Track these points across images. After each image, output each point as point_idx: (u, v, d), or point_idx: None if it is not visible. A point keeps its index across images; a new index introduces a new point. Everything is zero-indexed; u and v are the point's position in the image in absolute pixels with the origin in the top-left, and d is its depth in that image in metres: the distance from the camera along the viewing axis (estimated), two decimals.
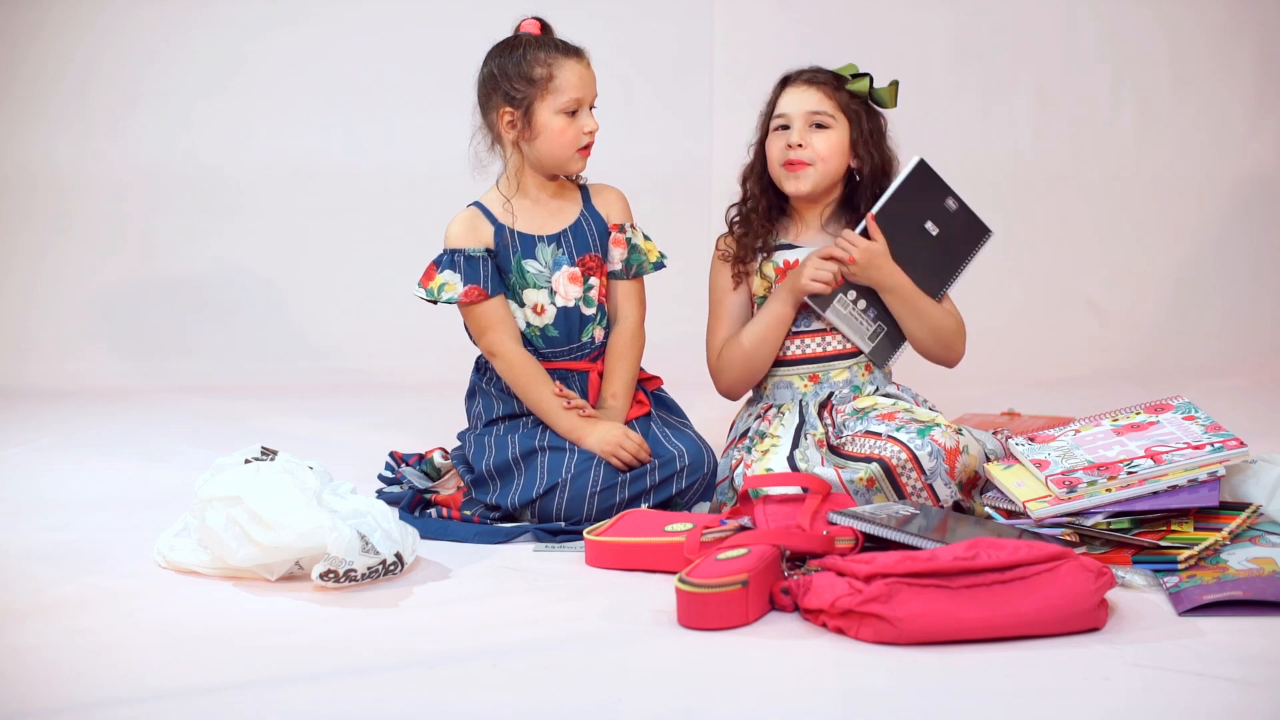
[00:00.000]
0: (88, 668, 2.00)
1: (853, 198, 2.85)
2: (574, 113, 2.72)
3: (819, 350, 2.82)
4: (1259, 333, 4.38)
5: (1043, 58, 4.50)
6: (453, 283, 2.73)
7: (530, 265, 2.76)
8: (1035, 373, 4.08)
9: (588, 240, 2.80)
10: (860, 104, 2.80)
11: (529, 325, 2.77)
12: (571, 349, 2.79)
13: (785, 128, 2.80)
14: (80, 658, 2.03)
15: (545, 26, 2.77)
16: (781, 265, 2.83)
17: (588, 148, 2.76)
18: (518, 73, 2.71)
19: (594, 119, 2.75)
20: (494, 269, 2.75)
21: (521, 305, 2.77)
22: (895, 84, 2.82)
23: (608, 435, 2.66)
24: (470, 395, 2.85)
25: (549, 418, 2.72)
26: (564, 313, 2.77)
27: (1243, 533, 2.38)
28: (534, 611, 2.22)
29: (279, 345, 4.27)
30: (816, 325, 2.81)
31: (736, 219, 2.88)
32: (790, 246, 2.84)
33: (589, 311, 2.79)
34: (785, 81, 2.84)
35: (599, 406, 2.76)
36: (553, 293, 2.76)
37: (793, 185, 2.80)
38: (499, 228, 2.77)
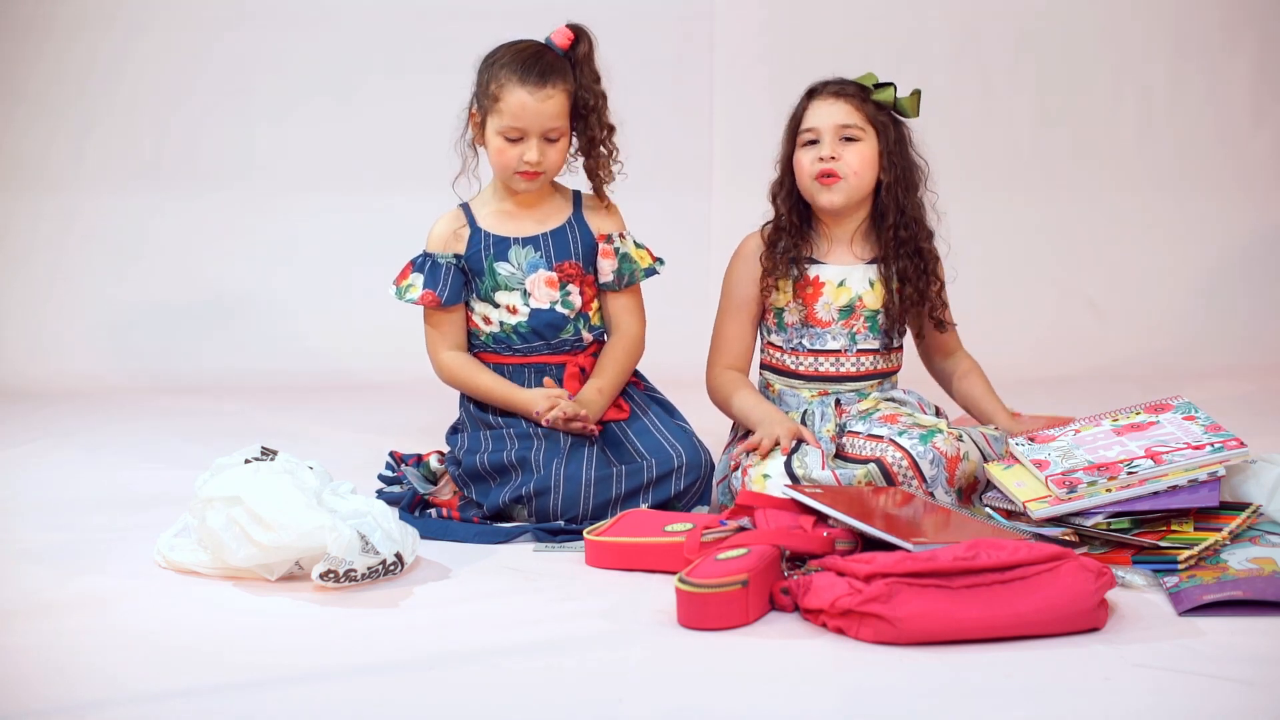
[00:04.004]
0: (86, 668, 2.00)
1: (884, 213, 2.80)
2: (518, 140, 2.71)
3: (832, 370, 2.81)
4: (1259, 332, 4.38)
5: (1043, 57, 4.50)
6: (416, 284, 2.78)
7: (502, 268, 2.77)
8: (1035, 373, 4.08)
9: (569, 247, 2.79)
10: (886, 114, 2.77)
11: (502, 324, 2.78)
12: (549, 344, 2.79)
13: (814, 142, 2.75)
14: (79, 658, 2.03)
15: (578, 39, 2.75)
16: (801, 280, 2.80)
17: (529, 174, 2.73)
18: (483, 83, 2.75)
19: (541, 150, 2.71)
20: (459, 278, 2.78)
21: (496, 306, 2.78)
22: (917, 93, 2.78)
23: (549, 391, 2.72)
24: (454, 431, 2.86)
25: (495, 397, 2.75)
26: (538, 314, 2.78)
27: (1243, 533, 2.38)
28: (534, 611, 2.22)
29: (278, 345, 4.26)
30: (832, 345, 2.80)
31: (770, 237, 2.83)
32: (816, 262, 2.81)
33: (567, 313, 2.78)
34: (811, 94, 2.79)
35: (579, 398, 2.75)
36: (526, 294, 2.77)
37: (826, 198, 2.75)
38: (475, 230, 2.79)
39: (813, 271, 2.81)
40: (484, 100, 2.74)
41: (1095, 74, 4.51)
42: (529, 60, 2.71)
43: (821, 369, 2.80)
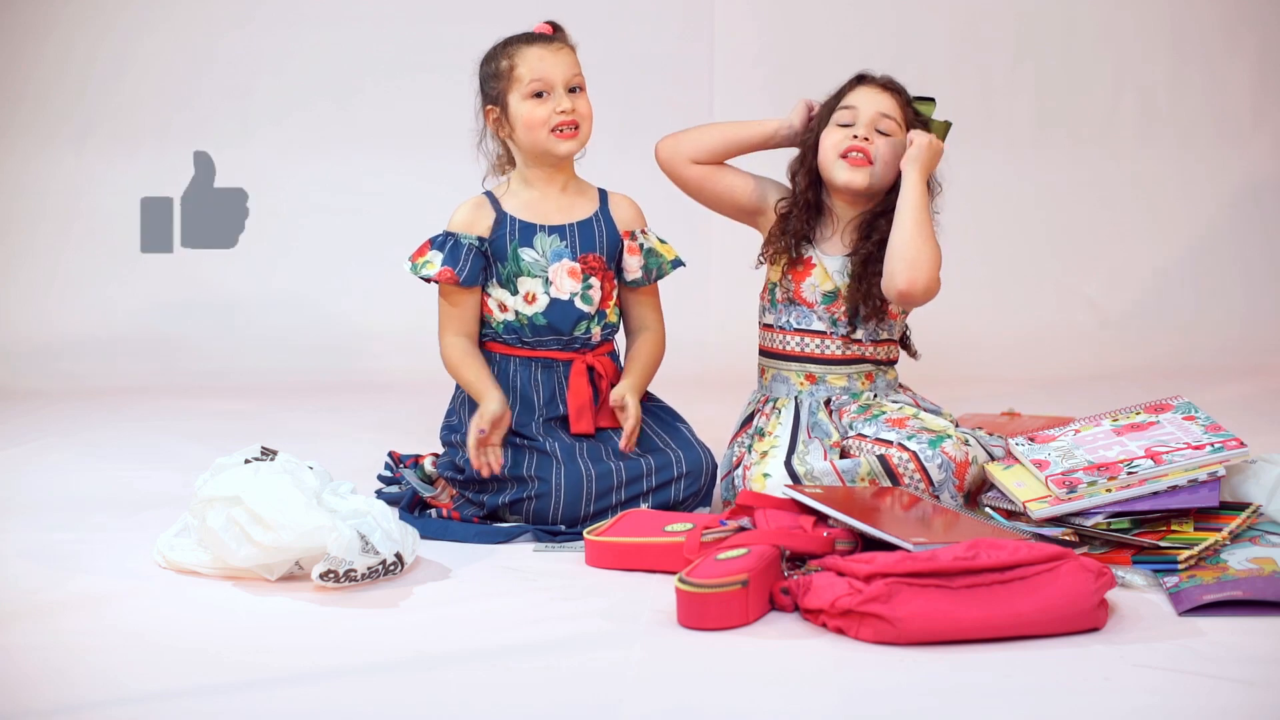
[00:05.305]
0: (86, 668, 2.00)
1: (877, 214, 2.79)
2: (541, 95, 2.72)
3: (817, 351, 2.81)
4: (1259, 332, 4.37)
5: (1043, 58, 4.50)
6: (434, 261, 2.75)
7: (526, 253, 2.76)
8: (1035, 373, 4.08)
9: (594, 240, 2.79)
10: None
11: (518, 314, 2.77)
12: (561, 339, 2.78)
13: (849, 124, 2.75)
14: (79, 658, 2.03)
15: (557, 30, 2.78)
16: (796, 258, 2.81)
17: (564, 128, 2.73)
18: (491, 71, 2.76)
19: (571, 100, 2.72)
20: (479, 261, 2.75)
21: (515, 293, 2.77)
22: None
23: (498, 419, 2.67)
24: (450, 429, 2.83)
25: (469, 387, 2.73)
26: (556, 304, 2.76)
27: (1243, 533, 2.38)
28: (534, 611, 2.22)
29: (278, 345, 4.26)
30: (817, 325, 2.80)
31: (784, 210, 2.83)
32: (812, 244, 2.81)
33: (585, 309, 2.77)
34: (860, 79, 2.80)
35: (612, 396, 2.74)
36: (548, 282, 2.76)
37: (847, 175, 2.73)
38: (501, 215, 2.77)
39: (808, 252, 2.81)
40: (498, 84, 2.75)
41: (1095, 74, 4.51)
42: (527, 32, 2.78)
43: (808, 349, 2.81)
